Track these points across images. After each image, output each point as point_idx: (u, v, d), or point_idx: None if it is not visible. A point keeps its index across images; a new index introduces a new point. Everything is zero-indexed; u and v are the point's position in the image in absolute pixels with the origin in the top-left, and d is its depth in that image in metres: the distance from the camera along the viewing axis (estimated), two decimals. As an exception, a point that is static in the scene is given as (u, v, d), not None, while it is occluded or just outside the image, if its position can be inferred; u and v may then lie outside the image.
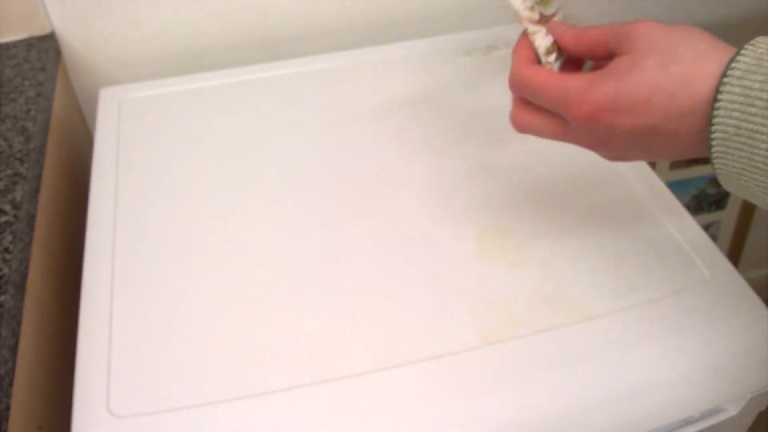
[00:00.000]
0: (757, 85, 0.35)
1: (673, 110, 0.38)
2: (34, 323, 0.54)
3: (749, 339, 0.49)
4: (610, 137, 0.41)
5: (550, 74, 0.42)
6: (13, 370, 0.46)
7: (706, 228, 1.26)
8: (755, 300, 0.51)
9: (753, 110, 0.35)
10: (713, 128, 0.36)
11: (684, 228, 0.56)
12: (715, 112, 0.36)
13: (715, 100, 0.36)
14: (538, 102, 0.43)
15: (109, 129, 0.68)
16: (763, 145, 0.35)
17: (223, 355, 0.48)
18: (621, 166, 0.61)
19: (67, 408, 0.45)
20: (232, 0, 0.79)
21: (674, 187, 0.61)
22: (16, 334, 0.48)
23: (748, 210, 1.27)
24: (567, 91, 0.41)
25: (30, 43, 0.75)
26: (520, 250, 0.55)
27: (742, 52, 0.36)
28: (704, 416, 0.49)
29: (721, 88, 0.36)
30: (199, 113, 0.70)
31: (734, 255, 1.33)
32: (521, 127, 0.46)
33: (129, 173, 0.63)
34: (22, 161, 0.59)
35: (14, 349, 0.47)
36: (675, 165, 1.15)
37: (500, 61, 0.74)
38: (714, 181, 1.21)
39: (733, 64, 0.36)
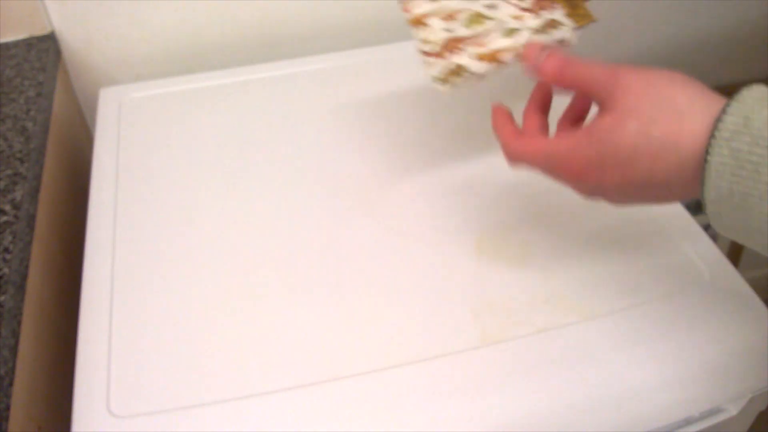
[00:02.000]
0: (745, 147, 0.34)
1: (658, 168, 0.38)
2: (34, 323, 0.54)
3: (749, 339, 0.49)
4: (600, 190, 0.42)
5: (537, 145, 0.44)
6: (13, 370, 0.46)
7: (706, 228, 1.26)
8: (755, 300, 0.51)
9: (744, 173, 0.34)
10: (705, 189, 0.36)
11: (684, 228, 0.56)
12: (706, 174, 0.36)
13: (705, 161, 0.36)
14: (534, 169, 0.45)
15: (109, 129, 0.68)
16: (756, 209, 0.34)
17: (223, 355, 0.48)
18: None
19: (67, 408, 0.45)
20: (232, 0, 0.79)
21: (674, 186, 0.61)
22: (16, 334, 0.48)
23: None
24: (553, 156, 0.43)
25: (30, 43, 0.75)
26: (520, 250, 0.55)
27: (728, 110, 0.35)
28: (704, 416, 0.49)
29: (710, 150, 0.35)
30: (199, 113, 0.70)
31: (734, 255, 1.33)
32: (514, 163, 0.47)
33: (129, 173, 0.63)
34: (22, 161, 0.59)
35: (14, 349, 0.47)
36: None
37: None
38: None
39: (719, 125, 0.35)
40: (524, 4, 0.53)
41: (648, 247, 0.55)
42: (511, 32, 0.52)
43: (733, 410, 0.50)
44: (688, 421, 0.49)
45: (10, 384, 0.46)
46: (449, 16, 0.53)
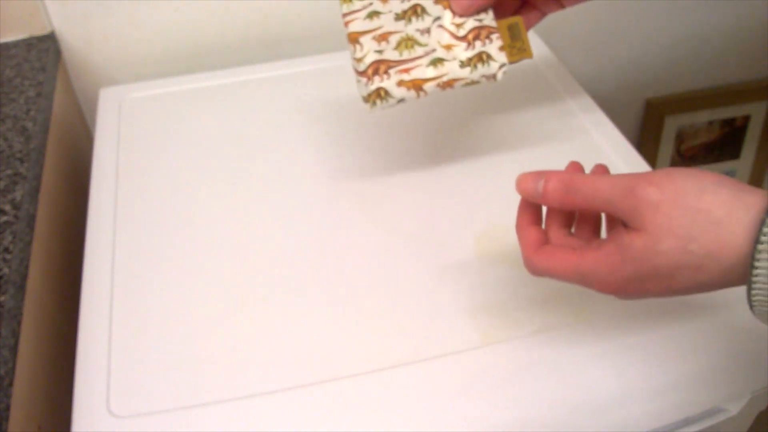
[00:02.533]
0: None
1: (702, 276, 0.37)
2: (34, 323, 0.54)
3: (749, 339, 0.49)
4: (644, 296, 0.40)
5: (563, 261, 0.41)
6: (13, 370, 0.46)
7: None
8: (755, 300, 0.51)
9: None
10: (754, 300, 0.35)
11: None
12: (754, 286, 0.35)
13: (752, 269, 0.34)
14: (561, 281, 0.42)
15: (109, 129, 0.68)
16: None
17: (223, 355, 0.48)
18: (623, 169, 0.61)
19: (67, 408, 0.45)
20: (232, 0, 0.79)
21: (674, 186, 0.61)
22: (16, 334, 0.48)
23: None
24: (585, 274, 0.40)
25: (30, 43, 0.75)
26: (520, 250, 0.54)
27: None
28: (704, 416, 0.49)
29: (757, 258, 0.34)
30: (199, 113, 0.70)
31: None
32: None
33: (129, 173, 0.63)
34: (22, 161, 0.59)
35: (14, 349, 0.47)
36: (675, 165, 1.15)
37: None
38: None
39: (765, 229, 0.34)
40: (460, 32, 0.53)
41: (648, 247, 0.55)
42: (437, 62, 0.52)
43: (733, 410, 0.50)
44: (688, 421, 0.49)
45: (10, 384, 0.46)
46: (382, 37, 0.53)
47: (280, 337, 0.49)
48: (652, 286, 0.38)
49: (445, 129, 0.67)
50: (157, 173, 0.63)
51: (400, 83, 0.52)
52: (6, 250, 0.51)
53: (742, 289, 0.36)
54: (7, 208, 0.55)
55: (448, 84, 0.52)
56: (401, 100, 0.52)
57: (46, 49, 0.74)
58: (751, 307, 0.36)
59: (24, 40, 0.75)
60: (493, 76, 0.53)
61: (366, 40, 0.53)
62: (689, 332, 0.49)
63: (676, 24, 0.98)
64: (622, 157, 0.62)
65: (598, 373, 0.47)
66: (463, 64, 0.52)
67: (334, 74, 0.75)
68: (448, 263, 0.54)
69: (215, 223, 0.58)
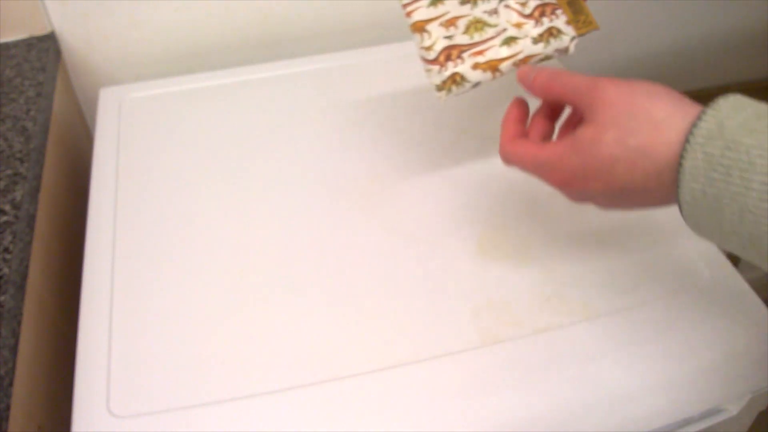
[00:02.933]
0: (718, 152, 0.36)
1: (636, 174, 0.40)
2: (34, 323, 0.54)
3: (749, 339, 0.49)
4: (586, 196, 0.44)
5: (527, 149, 0.46)
6: (13, 370, 0.46)
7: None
8: (755, 300, 0.51)
9: (716, 176, 0.36)
10: (680, 192, 0.38)
11: (684, 228, 0.56)
12: (680, 177, 0.37)
13: (680, 164, 0.37)
14: (524, 171, 0.47)
15: (109, 129, 0.68)
16: (728, 209, 0.36)
17: (223, 355, 0.48)
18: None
19: (67, 408, 0.45)
20: (232, 0, 0.79)
21: (674, 186, 0.61)
22: (16, 334, 0.48)
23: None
24: (541, 164, 0.45)
25: (30, 43, 0.75)
26: (520, 250, 0.55)
27: (703, 117, 0.37)
28: (704, 416, 0.49)
29: (684, 155, 0.37)
30: (199, 113, 0.70)
31: (734, 255, 1.33)
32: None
33: (129, 173, 0.63)
34: (22, 161, 0.59)
35: (14, 349, 0.47)
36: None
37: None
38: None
39: (694, 130, 0.37)
40: (526, 11, 0.53)
41: (648, 246, 0.55)
42: (510, 41, 0.52)
43: (733, 410, 0.50)
44: (688, 421, 0.49)
45: (10, 384, 0.46)
46: (449, 23, 0.53)
47: (280, 337, 0.49)
48: (593, 184, 0.42)
49: (445, 130, 0.67)
50: (157, 173, 0.63)
51: (476, 66, 0.51)
52: (6, 250, 0.51)
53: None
54: (7, 208, 0.55)
55: (524, 61, 0.52)
56: (477, 84, 0.52)
57: (46, 49, 0.74)
58: (681, 210, 0.39)
59: (24, 40, 0.75)
60: (566, 50, 0.52)
61: (433, 27, 0.52)
62: (689, 333, 0.49)
63: (676, 24, 0.98)
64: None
65: (598, 373, 0.47)
66: (535, 41, 0.52)
67: (334, 74, 0.75)
68: (448, 263, 0.54)
69: (215, 223, 0.58)
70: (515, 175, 0.46)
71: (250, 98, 0.72)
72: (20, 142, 0.61)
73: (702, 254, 0.54)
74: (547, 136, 0.48)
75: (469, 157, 0.63)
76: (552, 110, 0.49)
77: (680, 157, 0.37)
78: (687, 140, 0.37)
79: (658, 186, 0.40)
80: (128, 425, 0.44)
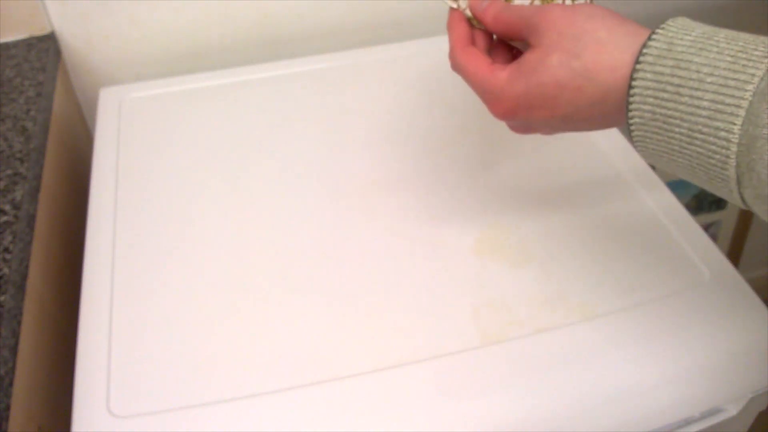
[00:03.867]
0: (668, 71, 0.36)
1: (582, 101, 0.40)
2: (34, 323, 0.54)
3: (749, 339, 0.49)
4: (530, 125, 0.44)
5: (477, 66, 0.44)
6: (13, 370, 0.46)
7: (706, 228, 1.26)
8: (755, 300, 0.51)
9: (665, 95, 0.36)
10: (630, 114, 0.38)
11: (684, 228, 0.56)
12: (631, 99, 0.37)
13: (630, 86, 0.37)
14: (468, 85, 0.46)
15: (109, 129, 0.68)
16: (677, 129, 0.36)
17: (223, 355, 0.48)
18: (622, 168, 0.61)
19: (67, 408, 0.45)
20: (232, 0, 0.79)
21: (674, 187, 0.61)
22: (16, 334, 0.48)
23: (748, 210, 1.26)
24: (486, 90, 0.44)
25: (30, 43, 0.75)
26: (520, 250, 0.55)
27: (653, 38, 0.37)
28: (704, 416, 0.49)
29: (635, 75, 0.37)
30: (199, 113, 0.70)
31: (734, 255, 1.33)
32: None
33: (129, 173, 0.63)
34: (22, 161, 0.59)
35: (14, 349, 0.47)
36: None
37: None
38: (714, 181, 1.20)
39: (644, 50, 0.37)
40: None
41: (648, 246, 0.55)
42: None
43: (733, 410, 0.50)
44: (688, 421, 0.49)
45: (10, 384, 0.46)
46: None
47: (280, 337, 0.49)
48: (538, 113, 0.41)
49: (445, 130, 0.67)
50: (157, 173, 0.63)
51: None
52: (6, 250, 0.51)
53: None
54: (7, 208, 0.55)
55: None
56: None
57: (46, 49, 0.74)
58: (630, 133, 0.38)
59: (24, 40, 0.75)
60: None
61: None
62: (689, 332, 0.49)
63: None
64: (622, 156, 0.62)
65: (598, 373, 0.47)
66: None
67: (334, 74, 0.75)
68: (448, 263, 0.54)
69: (215, 223, 0.58)
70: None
71: (250, 98, 0.72)
72: (20, 142, 0.61)
73: (702, 254, 0.54)
74: (493, 52, 0.47)
75: (469, 156, 0.63)
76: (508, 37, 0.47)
77: (630, 78, 0.37)
78: (637, 61, 0.37)
79: (603, 112, 0.39)
80: (128, 425, 0.44)
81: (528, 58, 0.41)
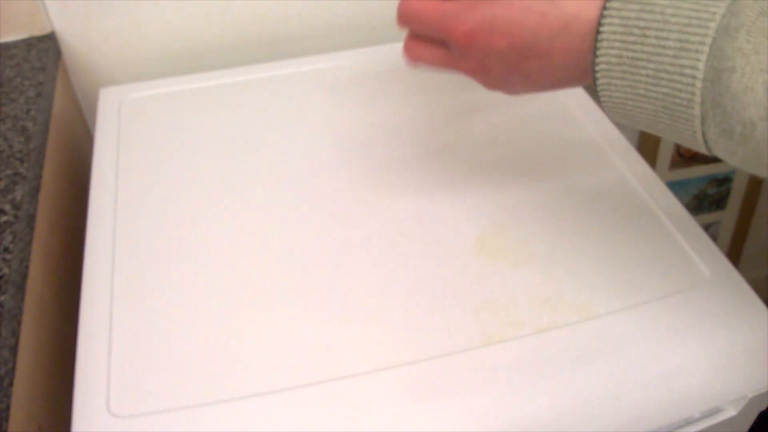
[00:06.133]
0: (634, 15, 0.36)
1: (543, 31, 0.39)
2: (34, 323, 0.54)
3: (749, 339, 0.49)
4: (486, 61, 0.43)
5: (430, 1, 0.44)
6: (13, 370, 0.46)
7: (706, 228, 1.26)
8: (755, 300, 0.51)
9: (632, 38, 0.36)
10: (597, 61, 0.38)
11: (684, 228, 0.56)
12: (598, 44, 0.37)
13: (598, 32, 0.37)
14: (424, 31, 0.45)
15: (109, 129, 0.68)
16: (643, 71, 0.36)
17: (223, 355, 0.48)
18: (623, 169, 0.61)
19: (67, 408, 0.45)
20: (232, 0, 0.79)
21: (674, 187, 0.61)
22: (16, 334, 0.48)
23: (748, 210, 1.27)
24: (446, 14, 0.43)
25: (30, 43, 0.75)
26: (520, 250, 0.55)
27: None
28: (704, 416, 0.49)
29: (603, 21, 0.37)
30: (199, 113, 0.70)
31: (734, 255, 1.33)
32: (412, 58, 0.48)
33: (129, 173, 0.63)
34: (22, 161, 0.59)
35: (14, 349, 0.47)
36: (675, 165, 1.15)
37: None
38: (714, 181, 1.21)
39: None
40: None
41: (648, 247, 0.55)
42: None
43: (732, 410, 0.50)
44: (688, 421, 0.49)
45: (10, 384, 0.46)
46: None
47: (280, 337, 0.49)
48: (498, 40, 0.41)
49: (445, 130, 0.67)
50: (157, 173, 0.63)
51: None
52: (6, 250, 0.51)
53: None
54: (7, 208, 0.55)
55: None
56: None
57: (46, 49, 0.74)
58: (596, 81, 0.38)
59: (24, 40, 0.75)
60: None
61: None
62: (689, 332, 0.49)
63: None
64: (621, 156, 0.62)
65: (598, 373, 0.47)
66: None
67: (334, 74, 0.75)
68: (448, 263, 0.54)
69: (215, 223, 0.58)
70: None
71: (250, 98, 0.72)
72: (20, 142, 0.61)
73: (702, 254, 0.54)
74: None
75: (469, 156, 0.63)
76: None
77: (598, 24, 0.37)
78: (604, 7, 0.37)
79: (562, 48, 0.39)
80: (128, 425, 0.44)
81: None
